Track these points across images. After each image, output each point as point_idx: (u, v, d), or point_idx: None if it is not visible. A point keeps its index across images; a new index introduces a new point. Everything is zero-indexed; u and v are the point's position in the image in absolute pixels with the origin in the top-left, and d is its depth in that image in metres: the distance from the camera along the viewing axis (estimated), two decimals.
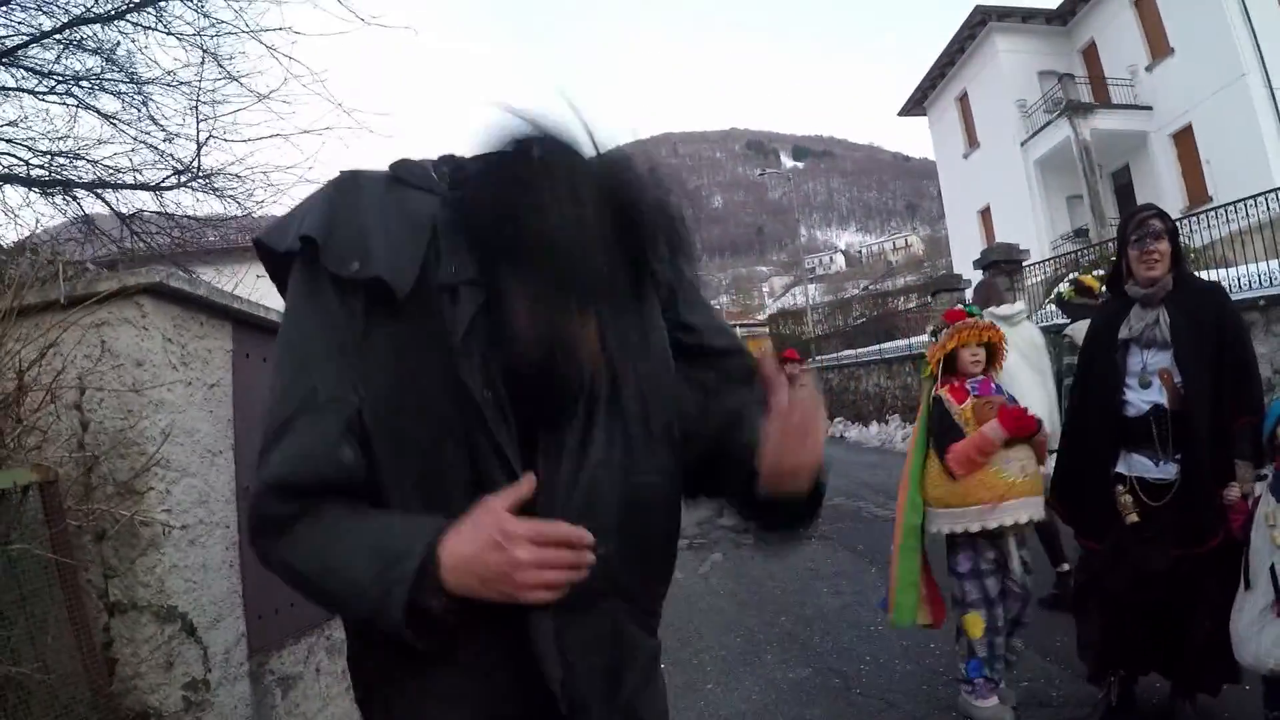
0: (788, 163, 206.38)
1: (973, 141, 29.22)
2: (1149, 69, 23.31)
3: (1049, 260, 18.03)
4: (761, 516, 1.42)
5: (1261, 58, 20.09)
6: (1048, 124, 24.43)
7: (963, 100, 29.41)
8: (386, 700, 1.34)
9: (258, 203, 7.51)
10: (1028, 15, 26.69)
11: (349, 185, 1.31)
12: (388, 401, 1.23)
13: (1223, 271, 9.80)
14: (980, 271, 15.52)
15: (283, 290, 1.33)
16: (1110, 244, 18.36)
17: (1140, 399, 3.44)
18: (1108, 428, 3.51)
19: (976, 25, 27.02)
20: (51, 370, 2.11)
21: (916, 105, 32.28)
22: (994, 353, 3.98)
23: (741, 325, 57.30)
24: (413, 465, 1.22)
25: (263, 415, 1.24)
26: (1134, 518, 3.39)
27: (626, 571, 1.34)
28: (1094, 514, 3.58)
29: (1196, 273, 8.50)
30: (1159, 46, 22.85)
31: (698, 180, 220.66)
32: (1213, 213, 11.44)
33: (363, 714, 1.44)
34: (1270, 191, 10.45)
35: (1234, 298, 8.84)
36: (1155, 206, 3.69)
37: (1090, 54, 25.82)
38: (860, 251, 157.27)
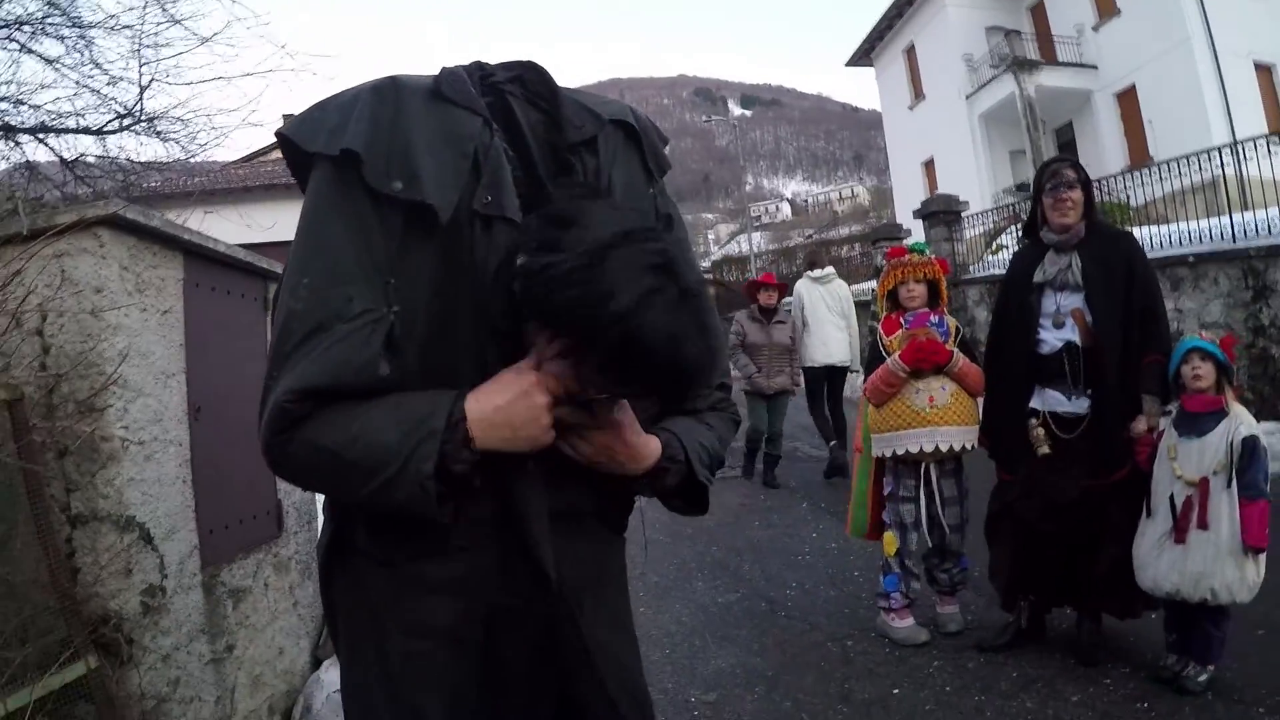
0: (736, 110, 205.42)
1: (919, 94, 29.25)
2: (1096, 29, 23.42)
3: (990, 212, 18.33)
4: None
5: (1207, 22, 20.22)
6: (993, 79, 24.47)
7: (910, 52, 29.37)
8: (369, 583, 1.39)
9: (200, 146, 7.45)
10: None
11: (391, 95, 1.31)
12: (417, 319, 1.26)
13: (1160, 228, 10.03)
14: (920, 221, 15.74)
15: (302, 183, 1.34)
16: None
17: (1054, 337, 3.64)
18: (1023, 365, 3.71)
19: None
20: (15, 298, 2.20)
21: (864, 56, 32.17)
22: (935, 288, 4.16)
23: None
24: (430, 380, 1.26)
25: (284, 311, 1.25)
26: (1046, 449, 3.61)
27: (605, 480, 1.41)
28: (1010, 447, 3.78)
29: (1135, 229, 8.86)
30: (1106, 7, 22.95)
31: None
32: (1153, 171, 11.54)
33: (325, 591, 1.49)
34: (1205, 151, 10.59)
35: (1165, 254, 8.97)
36: (1069, 158, 3.87)
37: (1038, 12, 25.87)
38: (806, 200, 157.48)
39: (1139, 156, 21.03)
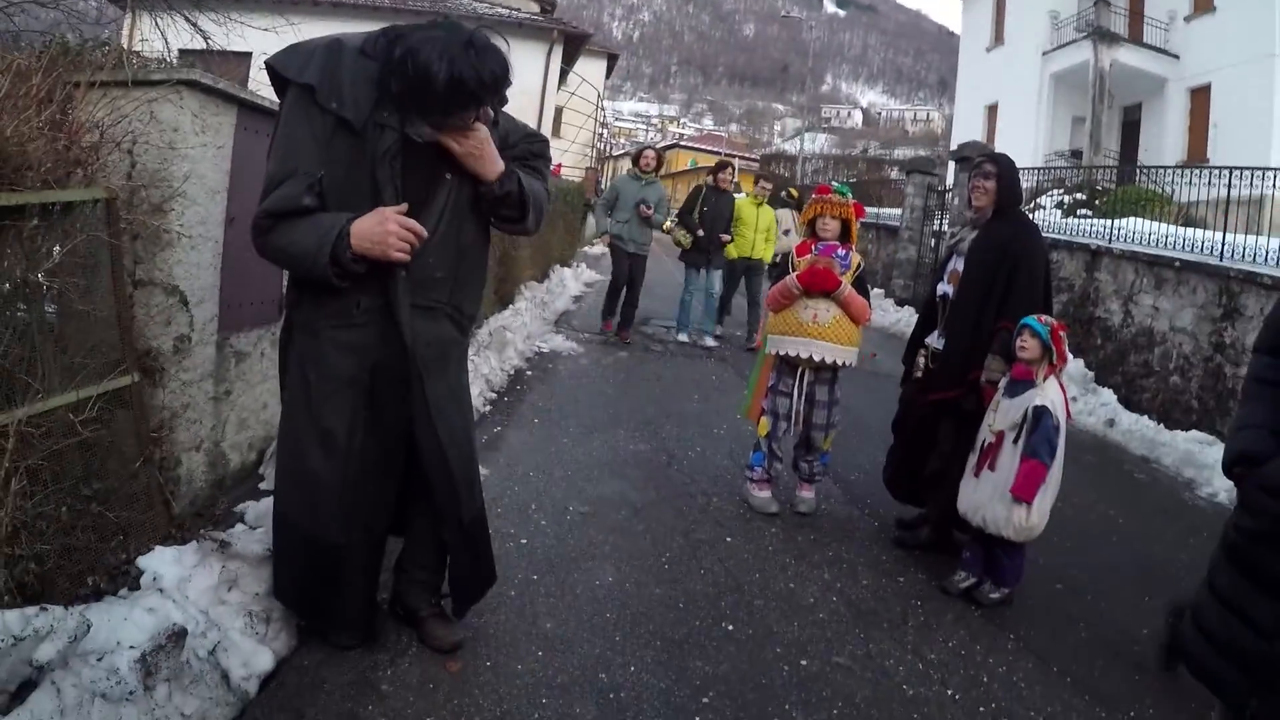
0: (830, 8, 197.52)
1: (999, 38, 28.69)
2: (1187, 19, 22.69)
3: (1034, 170, 18.10)
4: (496, 215, 2.52)
5: None
6: (1072, 42, 23.95)
7: None
8: (301, 346, 2.37)
9: None
10: None
11: (336, 51, 2.25)
12: (337, 180, 2.23)
13: (1189, 230, 10.05)
14: (952, 162, 15.88)
15: (279, 91, 2.31)
16: (1095, 171, 18.79)
17: (942, 289, 4.50)
18: (928, 307, 4.67)
19: None
20: (120, 129, 3.07)
21: None
22: (847, 226, 4.76)
23: (742, 157, 55.41)
24: (341, 210, 2.23)
25: (268, 172, 2.22)
26: (919, 372, 4.58)
27: (454, 291, 2.43)
28: (910, 368, 4.74)
29: (1165, 225, 9.61)
30: (1204, 1, 22.24)
31: (733, 4, 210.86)
32: (1208, 174, 11.19)
33: (280, 355, 2.50)
34: (1259, 169, 10.37)
35: (1159, 253, 9.36)
36: (1000, 155, 4.62)
37: None
38: (880, 113, 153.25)
39: (1197, 154, 20.88)
